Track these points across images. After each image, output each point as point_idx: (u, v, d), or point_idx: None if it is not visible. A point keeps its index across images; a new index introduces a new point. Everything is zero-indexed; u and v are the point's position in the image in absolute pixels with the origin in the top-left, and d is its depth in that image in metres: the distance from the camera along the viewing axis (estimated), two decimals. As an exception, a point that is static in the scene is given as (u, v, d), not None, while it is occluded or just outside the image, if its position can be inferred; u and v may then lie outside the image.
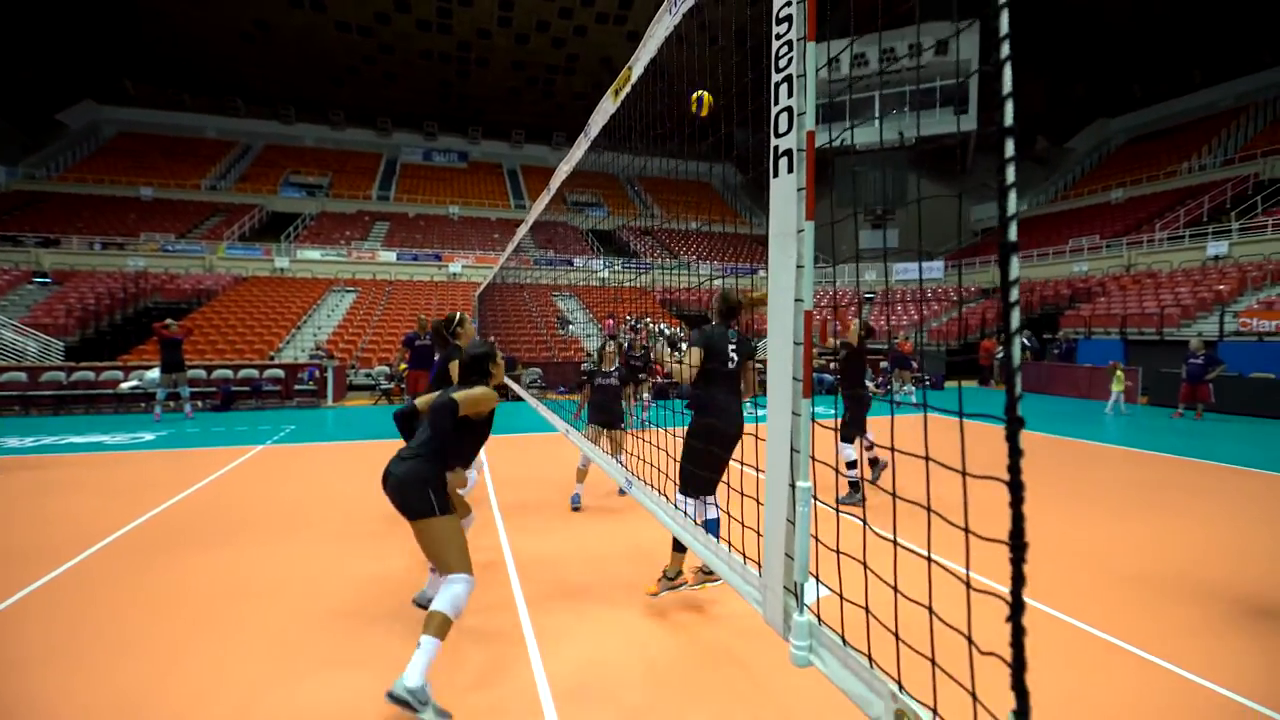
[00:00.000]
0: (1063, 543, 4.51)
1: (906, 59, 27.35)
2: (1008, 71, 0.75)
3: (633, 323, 18.34)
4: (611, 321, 18.80)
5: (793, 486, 1.13)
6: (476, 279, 22.53)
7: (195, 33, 28.82)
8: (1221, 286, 16.55)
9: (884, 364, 17.78)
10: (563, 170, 3.71)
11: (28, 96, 27.73)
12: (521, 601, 3.49)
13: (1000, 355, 18.19)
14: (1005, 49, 0.78)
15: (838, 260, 30.19)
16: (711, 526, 3.54)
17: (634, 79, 2.18)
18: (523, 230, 5.64)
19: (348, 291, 21.25)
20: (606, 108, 2.50)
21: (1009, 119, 0.75)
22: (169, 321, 11.07)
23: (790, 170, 1.15)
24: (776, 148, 1.18)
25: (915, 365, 16.35)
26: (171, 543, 4.48)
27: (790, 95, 1.15)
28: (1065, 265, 23.30)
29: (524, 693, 2.55)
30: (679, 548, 3.26)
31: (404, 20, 29.33)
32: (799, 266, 1.12)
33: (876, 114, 29.22)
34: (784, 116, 1.17)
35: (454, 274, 24.30)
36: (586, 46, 31.34)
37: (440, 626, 2.40)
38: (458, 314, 4.13)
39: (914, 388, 15.64)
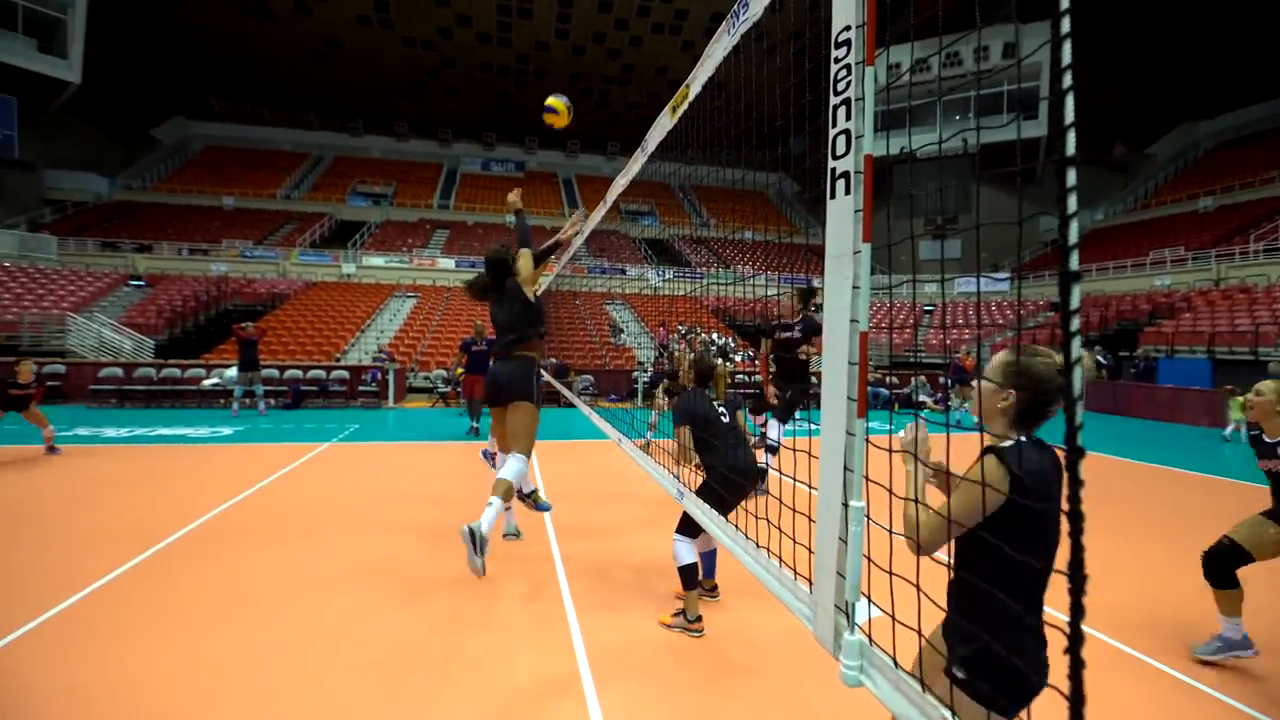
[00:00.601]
0: (1139, 573, 4.26)
1: (972, 63, 26.49)
2: (1069, 101, 0.75)
3: (684, 332, 18.37)
4: (663, 330, 18.88)
5: (845, 505, 1.14)
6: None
7: (273, 52, 30.66)
8: (1324, 302, 15.29)
9: (943, 379, 17.19)
10: (619, 184, 3.79)
11: (126, 113, 30.09)
12: (570, 607, 3.55)
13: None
14: (1067, 61, 0.78)
15: (896, 271, 29.45)
16: (711, 557, 3.63)
17: (691, 96, 2.23)
18: (578, 241, 5.75)
19: (409, 297, 22.08)
20: (665, 124, 2.55)
21: (1070, 148, 0.75)
22: (246, 324, 11.78)
23: (848, 192, 1.16)
24: (834, 169, 1.20)
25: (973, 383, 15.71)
26: (245, 533, 4.77)
27: (849, 119, 1.16)
28: (1146, 279, 21.97)
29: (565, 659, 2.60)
30: (690, 584, 3.19)
31: (465, 34, 30.38)
32: (855, 288, 1.14)
33: (938, 120, 28.37)
34: (841, 139, 1.18)
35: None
36: (642, 57, 31.68)
37: (506, 491, 3.19)
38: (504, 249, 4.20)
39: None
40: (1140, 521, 5.58)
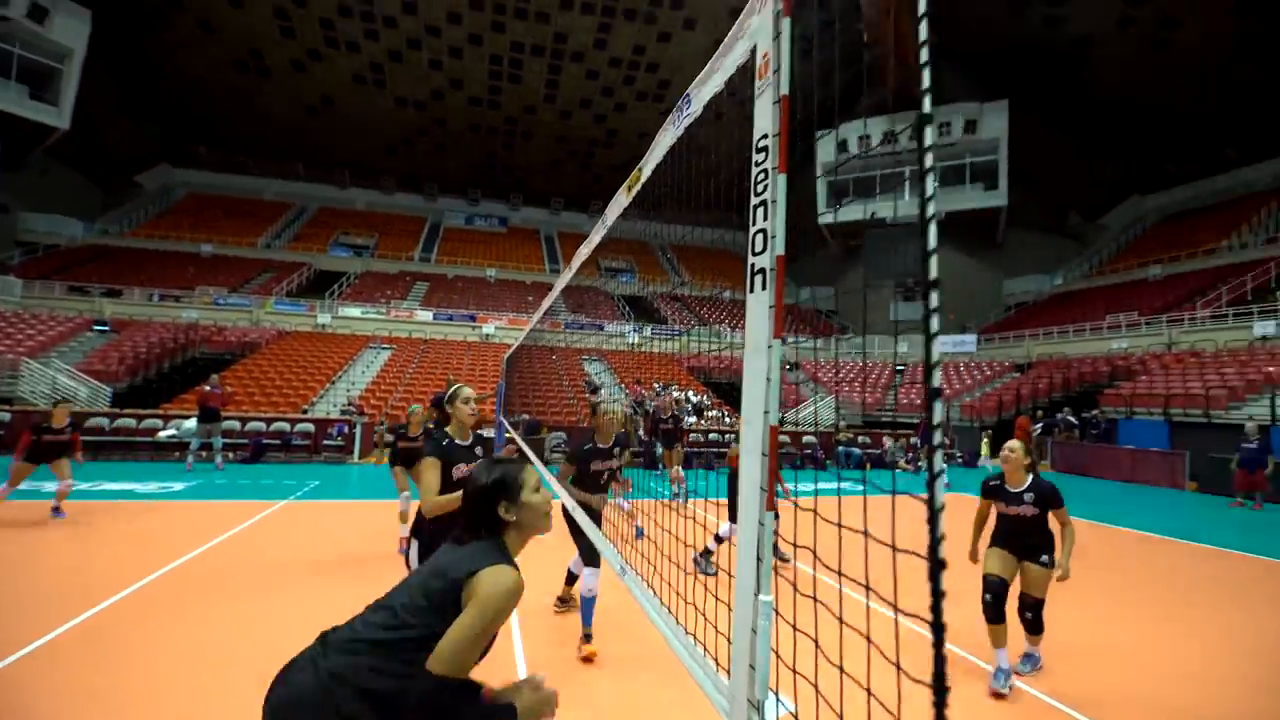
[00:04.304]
0: (1100, 641, 4.24)
1: (938, 137, 28.00)
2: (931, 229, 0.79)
3: (659, 389, 18.43)
4: (639, 387, 18.92)
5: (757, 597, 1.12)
6: (509, 340, 23.04)
7: (266, 106, 31.30)
8: (1271, 368, 15.91)
9: (913, 439, 17.38)
10: (582, 253, 3.87)
11: (110, 159, 30.19)
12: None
13: (1038, 431, 17.52)
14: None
15: (870, 331, 30.14)
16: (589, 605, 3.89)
17: (644, 179, 2.31)
18: (553, 295, 5.82)
19: (383, 349, 21.92)
20: (621, 200, 2.64)
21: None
22: (212, 385, 11.54)
23: (764, 288, 1.20)
24: (753, 265, 1.24)
25: (948, 440, 15.89)
26: (183, 598, 4.53)
27: (765, 219, 1.22)
28: (1104, 342, 22.76)
29: None
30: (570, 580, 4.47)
31: (457, 96, 31.41)
32: (767, 380, 1.16)
33: (906, 189, 29.73)
34: (759, 237, 1.23)
35: (487, 335, 24.92)
36: (625, 122, 32.96)
37: None
38: (453, 387, 3.38)
39: (945, 464, 15.14)
40: (1116, 588, 5.58)
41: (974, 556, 3.93)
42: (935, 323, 0.78)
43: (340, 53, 28.83)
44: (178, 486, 9.39)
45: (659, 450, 10.92)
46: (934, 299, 0.78)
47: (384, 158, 35.90)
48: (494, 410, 12.91)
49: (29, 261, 24.42)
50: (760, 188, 1.24)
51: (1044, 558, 3.62)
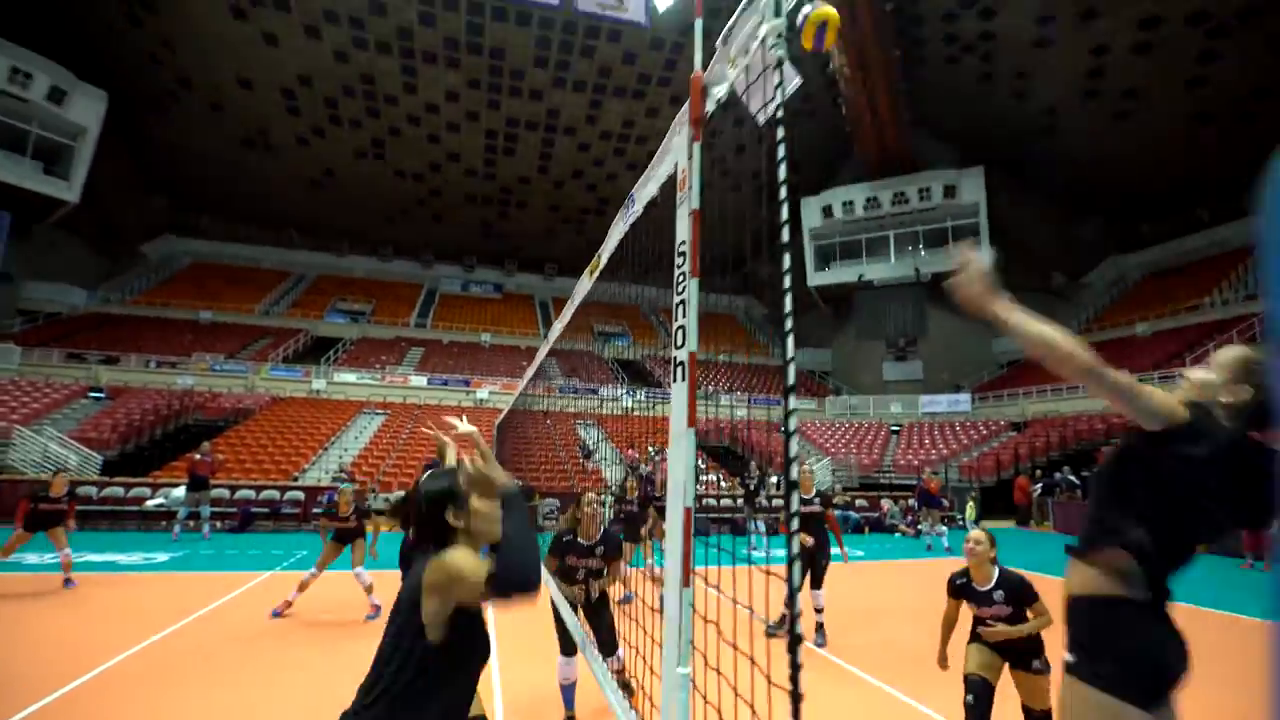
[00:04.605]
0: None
1: (918, 200, 29.11)
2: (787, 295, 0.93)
3: (654, 453, 18.37)
4: (633, 451, 18.84)
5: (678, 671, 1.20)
6: (502, 404, 23.08)
7: (270, 179, 32.45)
8: (1263, 425, 16.01)
9: (911, 502, 17.22)
10: (556, 328, 4.04)
11: (118, 231, 31.01)
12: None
13: (1038, 491, 17.31)
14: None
15: (861, 391, 30.30)
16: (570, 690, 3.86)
17: (603, 264, 2.49)
18: (535, 362, 5.97)
19: (377, 414, 21.93)
20: (585, 284, 2.82)
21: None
22: (203, 453, 11.55)
23: (683, 379, 1.33)
24: (675, 357, 1.38)
25: (945, 503, 15.76)
26: (161, 675, 4.44)
27: (684, 315, 1.36)
28: (1098, 400, 22.90)
29: None
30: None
31: (453, 168, 32.66)
32: (685, 465, 1.27)
33: (891, 252, 30.59)
34: (680, 332, 1.37)
35: (481, 399, 24.99)
36: (616, 191, 34.17)
37: None
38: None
39: (945, 528, 14.92)
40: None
41: (942, 662, 3.48)
42: (791, 374, 0.90)
43: (343, 129, 30.15)
44: (162, 557, 9.25)
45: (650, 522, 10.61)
46: (789, 347, 0.91)
47: (382, 226, 36.92)
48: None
49: (30, 329, 24.68)
50: (680, 289, 1.39)
51: (1035, 663, 3.22)
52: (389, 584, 7.98)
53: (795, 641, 0.78)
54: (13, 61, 21.87)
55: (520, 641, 5.44)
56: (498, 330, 33.49)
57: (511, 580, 1.38)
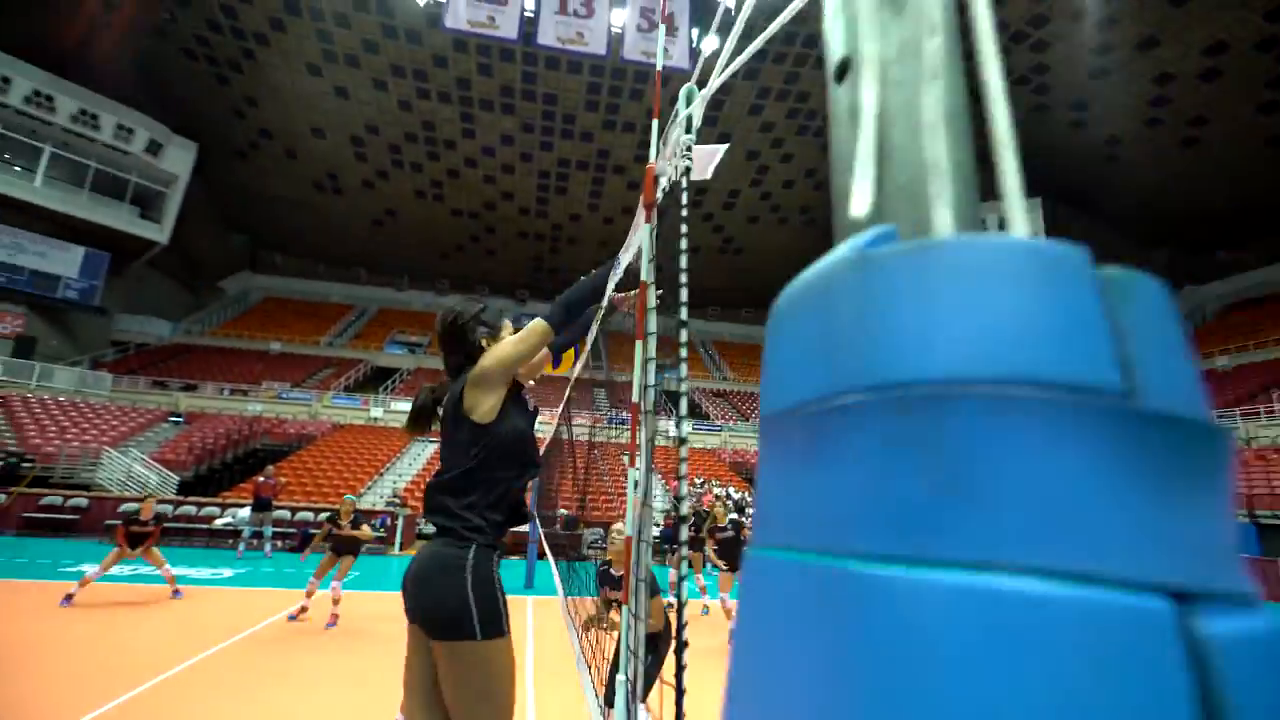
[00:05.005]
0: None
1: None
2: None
3: (699, 485, 18.33)
4: (679, 483, 18.79)
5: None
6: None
7: (337, 219, 34.61)
8: (1362, 467, 14.78)
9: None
10: (576, 368, 4.19)
11: (201, 268, 33.55)
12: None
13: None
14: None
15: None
16: None
17: (588, 349, 2.70)
18: (568, 387, 6.19)
19: (430, 442, 22.63)
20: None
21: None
22: (264, 476, 12.28)
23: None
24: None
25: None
26: (222, 682, 4.74)
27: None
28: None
29: None
30: None
31: (507, 207, 34.07)
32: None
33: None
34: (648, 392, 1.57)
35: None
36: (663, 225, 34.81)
37: None
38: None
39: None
40: None
41: None
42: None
43: (405, 172, 32.00)
44: (227, 573, 9.79)
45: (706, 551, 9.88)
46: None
47: (439, 262, 38.62)
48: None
49: (121, 359, 26.78)
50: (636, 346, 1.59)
51: None
52: (363, 602, 8.19)
53: (681, 646, 0.93)
54: (118, 119, 24.29)
55: (551, 659, 5.54)
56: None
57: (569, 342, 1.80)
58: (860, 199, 0.39)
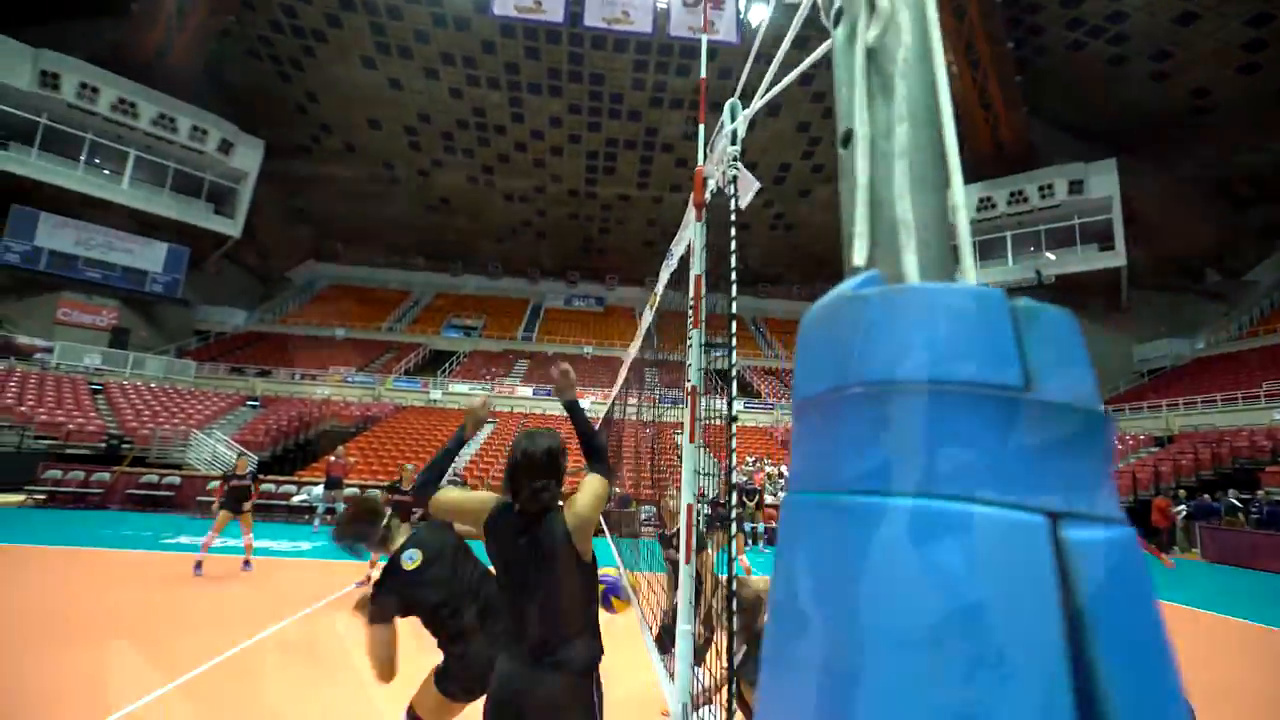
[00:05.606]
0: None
1: (1038, 199, 26.95)
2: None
3: (751, 464, 18.27)
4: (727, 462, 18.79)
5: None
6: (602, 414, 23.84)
7: (395, 207, 35.71)
8: None
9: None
10: (631, 352, 4.30)
11: (270, 259, 35.34)
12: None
13: (1182, 514, 15.47)
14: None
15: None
16: None
17: (656, 303, 2.74)
18: (622, 372, 6.33)
19: (488, 423, 23.35)
20: (646, 315, 3.09)
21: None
22: (335, 456, 12.98)
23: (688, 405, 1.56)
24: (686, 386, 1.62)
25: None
26: (310, 643, 5.15)
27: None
28: (1262, 411, 20.08)
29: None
30: None
31: (557, 189, 34.33)
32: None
33: (1009, 254, 28.49)
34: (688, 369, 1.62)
35: (582, 409, 25.89)
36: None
37: None
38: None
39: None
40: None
41: None
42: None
43: (457, 159, 32.64)
44: (305, 546, 10.49)
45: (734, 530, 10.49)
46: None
47: (492, 246, 39.36)
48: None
49: (202, 347, 28.64)
50: (688, 339, 1.64)
51: None
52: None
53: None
54: (193, 121, 25.65)
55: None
56: (599, 343, 34.54)
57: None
58: (859, 252, 0.52)
